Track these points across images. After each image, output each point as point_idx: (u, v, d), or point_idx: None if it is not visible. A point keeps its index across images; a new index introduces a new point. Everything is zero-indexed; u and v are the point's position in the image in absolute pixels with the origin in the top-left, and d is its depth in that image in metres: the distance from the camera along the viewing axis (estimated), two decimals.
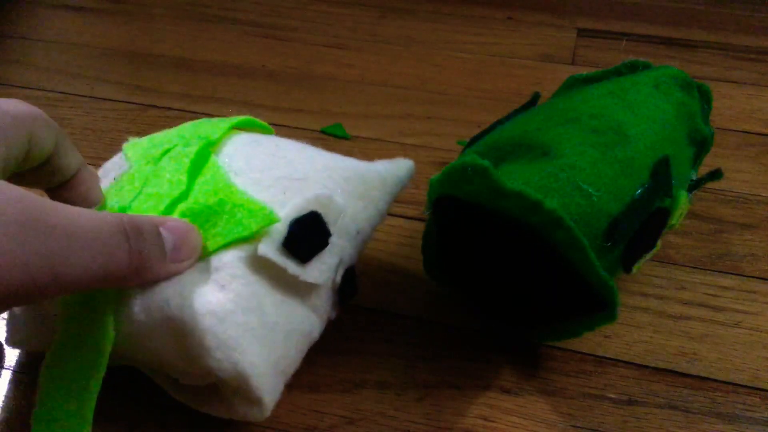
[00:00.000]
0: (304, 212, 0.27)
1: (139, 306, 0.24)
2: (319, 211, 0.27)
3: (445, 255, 0.33)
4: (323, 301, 0.29)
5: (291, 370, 0.28)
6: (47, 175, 0.24)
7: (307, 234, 0.27)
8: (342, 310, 0.31)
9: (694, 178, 0.36)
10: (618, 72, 0.36)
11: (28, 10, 0.65)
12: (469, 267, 0.33)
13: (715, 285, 0.37)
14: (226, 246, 0.26)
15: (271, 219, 0.26)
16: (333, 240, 0.28)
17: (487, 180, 0.26)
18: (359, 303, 0.35)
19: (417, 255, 0.33)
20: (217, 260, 0.25)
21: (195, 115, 0.50)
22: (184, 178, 0.27)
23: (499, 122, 0.37)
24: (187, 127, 0.31)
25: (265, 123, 0.33)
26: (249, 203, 0.26)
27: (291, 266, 0.26)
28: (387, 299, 0.35)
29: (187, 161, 0.27)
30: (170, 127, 0.32)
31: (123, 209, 0.26)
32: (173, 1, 0.67)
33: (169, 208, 0.26)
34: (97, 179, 0.26)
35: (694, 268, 0.38)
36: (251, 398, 0.26)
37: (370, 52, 0.59)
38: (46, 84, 0.54)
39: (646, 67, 0.36)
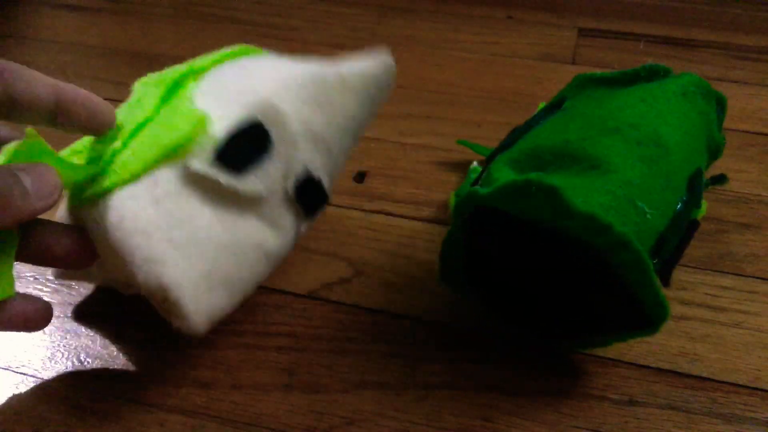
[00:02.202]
0: (245, 122, 0.27)
1: (94, 215, 0.26)
2: (261, 119, 0.28)
3: (470, 264, 0.32)
4: (277, 212, 0.29)
5: (241, 284, 0.29)
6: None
7: (243, 144, 0.27)
8: (311, 222, 0.32)
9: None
10: (636, 75, 0.35)
11: (28, 10, 0.65)
12: (495, 277, 0.32)
13: (715, 285, 0.37)
14: (167, 157, 0.27)
15: (201, 120, 0.27)
16: (277, 149, 0.28)
17: (555, 200, 0.25)
18: (359, 303, 0.35)
19: (417, 255, 0.33)
20: (159, 174, 0.27)
21: None
22: (154, 102, 0.28)
23: (522, 129, 0.36)
24: (190, 60, 0.32)
25: (259, 48, 0.33)
26: (187, 111, 0.27)
27: (224, 178, 0.27)
28: (387, 299, 0.35)
29: (163, 87, 0.29)
30: None
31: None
32: (173, 0, 0.67)
33: (134, 132, 0.27)
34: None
35: (695, 268, 0.38)
36: (177, 312, 0.26)
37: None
38: None
39: (666, 72, 0.35)
